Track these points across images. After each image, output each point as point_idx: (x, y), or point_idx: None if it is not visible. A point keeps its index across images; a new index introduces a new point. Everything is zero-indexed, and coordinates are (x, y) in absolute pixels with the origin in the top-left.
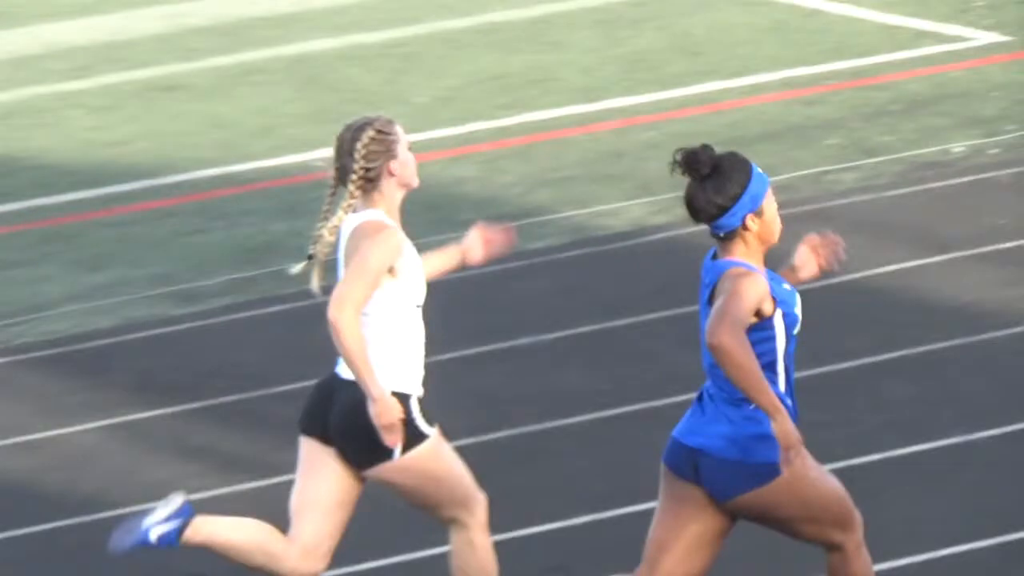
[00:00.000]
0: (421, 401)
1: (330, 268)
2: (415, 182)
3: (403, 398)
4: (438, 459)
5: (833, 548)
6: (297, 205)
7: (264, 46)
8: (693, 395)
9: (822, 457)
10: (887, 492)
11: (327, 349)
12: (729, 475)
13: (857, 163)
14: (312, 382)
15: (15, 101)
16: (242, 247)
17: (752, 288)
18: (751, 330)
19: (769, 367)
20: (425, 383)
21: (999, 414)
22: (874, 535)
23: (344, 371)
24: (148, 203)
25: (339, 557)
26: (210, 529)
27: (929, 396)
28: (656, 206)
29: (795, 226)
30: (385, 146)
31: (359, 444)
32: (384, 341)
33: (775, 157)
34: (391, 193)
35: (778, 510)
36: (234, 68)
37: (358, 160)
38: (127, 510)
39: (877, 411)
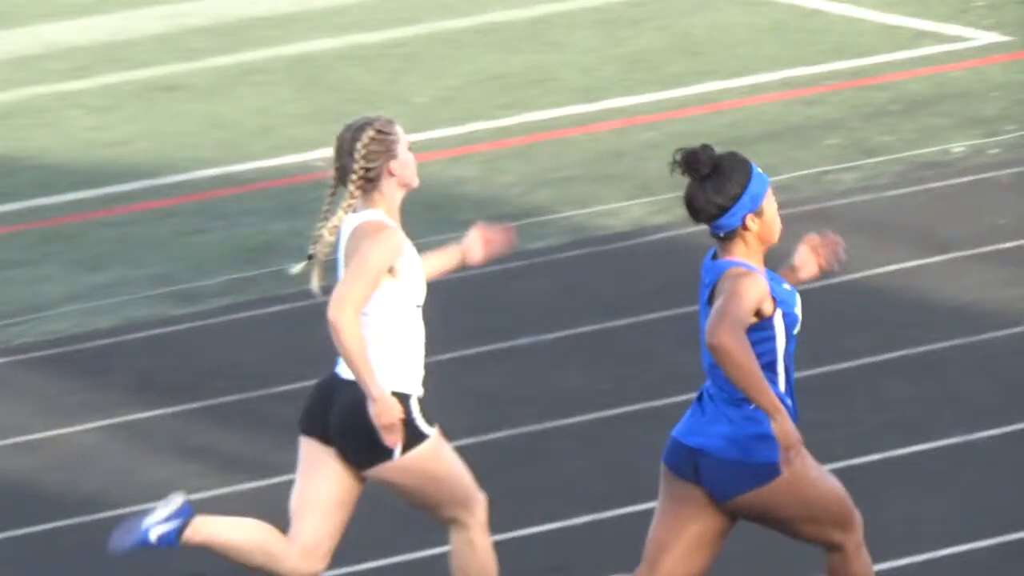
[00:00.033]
0: (421, 401)
1: (330, 268)
2: (415, 182)
3: (403, 398)
4: (438, 459)
5: (833, 548)
6: (297, 205)
7: (264, 46)
8: (693, 395)
9: (822, 457)
10: (887, 492)
11: (327, 349)
12: (729, 475)
13: (857, 163)
14: (312, 382)
15: (15, 101)
16: (242, 247)
17: (752, 288)
18: (751, 330)
19: (769, 367)
20: (425, 383)
21: (999, 414)
22: (874, 535)
23: (344, 371)
24: (148, 203)
25: (339, 557)
26: (210, 529)
27: (929, 396)
28: (656, 206)
29: (795, 226)
30: (385, 146)
31: (359, 444)
32: (384, 341)
33: (775, 157)
34: (391, 193)
35: (778, 510)
36: (234, 68)
37: (358, 160)
38: (127, 510)
39: (877, 411)
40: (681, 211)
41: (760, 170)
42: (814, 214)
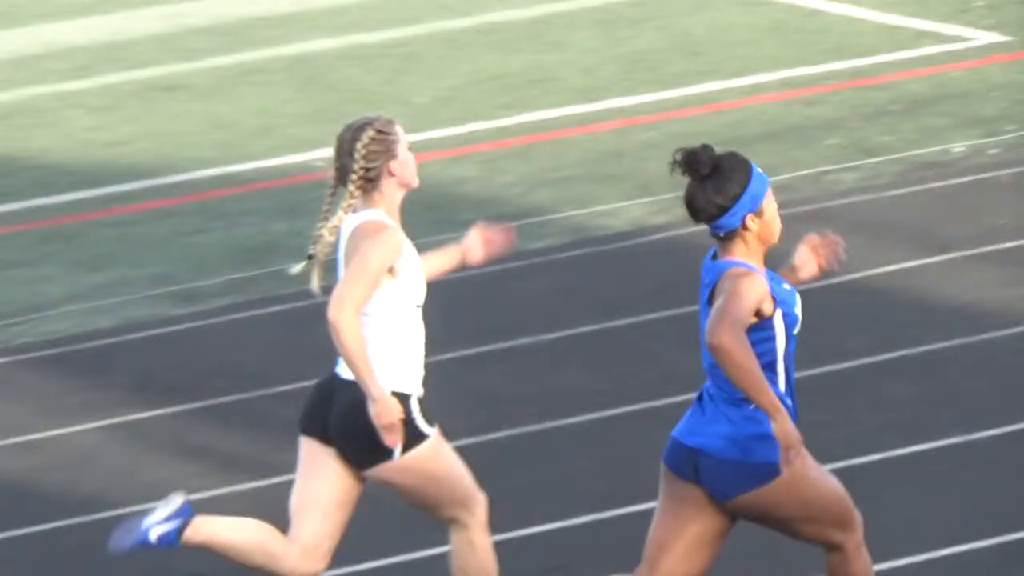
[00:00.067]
0: (421, 401)
1: (330, 268)
2: (415, 182)
3: (403, 398)
4: (438, 459)
5: (833, 548)
6: (297, 205)
7: (264, 46)
8: (693, 395)
9: (822, 457)
10: (887, 492)
11: (327, 349)
12: (729, 475)
13: (857, 163)
14: (312, 382)
15: (15, 101)
16: (242, 247)
17: (752, 288)
18: (751, 330)
19: (769, 367)
20: (425, 383)
21: (999, 414)
22: (874, 535)
23: (344, 371)
24: (148, 203)
25: (339, 557)
26: (210, 529)
27: (929, 396)
28: (656, 206)
29: (795, 226)
30: (385, 146)
31: (359, 444)
32: (384, 341)
33: (775, 157)
34: (391, 193)
35: (778, 510)
36: (234, 68)
37: (358, 160)
38: (127, 510)
39: (877, 411)
40: (681, 211)
41: (760, 170)
42: (814, 214)
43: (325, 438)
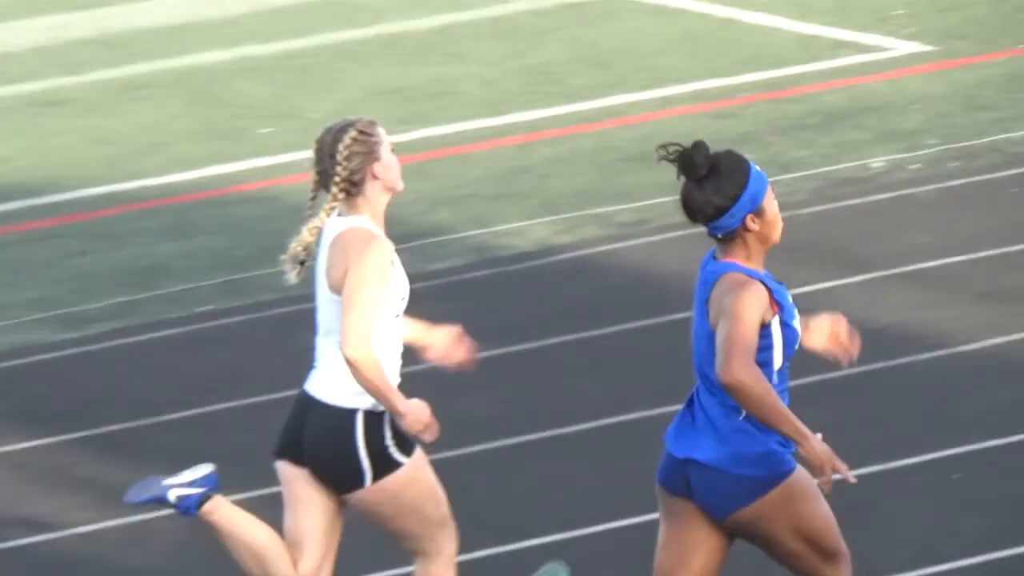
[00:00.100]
0: (396, 427)
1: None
2: (400, 186)
3: (378, 420)
4: (411, 487)
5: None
6: (186, 225)
7: (151, 59)
8: (601, 422)
9: None
10: None
11: (216, 377)
12: (721, 489)
13: (772, 179)
14: (200, 410)
15: None
16: (127, 269)
17: (752, 305)
18: None
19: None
20: None
21: (920, 441)
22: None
23: (313, 388)
24: (29, 223)
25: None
26: (229, 514)
27: (847, 423)
28: (561, 225)
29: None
30: (367, 148)
31: (331, 472)
32: None
33: None
34: (376, 197)
35: (770, 524)
36: (120, 82)
37: (340, 163)
38: (7, 545)
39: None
40: (586, 229)
41: (758, 168)
42: None
43: (298, 459)
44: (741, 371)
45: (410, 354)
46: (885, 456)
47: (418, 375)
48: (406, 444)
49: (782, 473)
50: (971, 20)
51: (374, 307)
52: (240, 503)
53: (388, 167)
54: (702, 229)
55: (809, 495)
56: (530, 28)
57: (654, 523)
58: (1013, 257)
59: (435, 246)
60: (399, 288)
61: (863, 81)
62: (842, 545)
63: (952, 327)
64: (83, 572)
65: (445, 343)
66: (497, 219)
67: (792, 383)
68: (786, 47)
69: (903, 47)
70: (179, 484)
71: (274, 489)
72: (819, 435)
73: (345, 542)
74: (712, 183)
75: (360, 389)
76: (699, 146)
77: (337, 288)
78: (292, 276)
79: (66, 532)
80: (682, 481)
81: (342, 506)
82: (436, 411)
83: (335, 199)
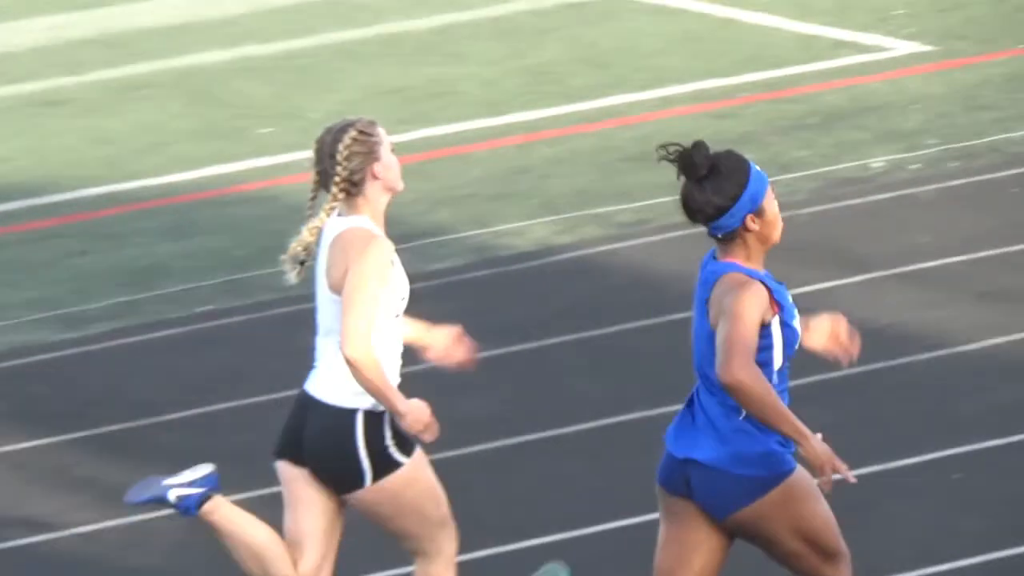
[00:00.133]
0: (396, 427)
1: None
2: (400, 186)
3: (378, 420)
4: (411, 487)
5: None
6: (186, 225)
7: (152, 59)
8: (599, 422)
9: None
10: None
11: (216, 377)
12: (721, 489)
13: (772, 179)
14: (200, 410)
15: None
16: (128, 269)
17: (752, 304)
18: None
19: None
20: None
21: (920, 441)
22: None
23: (313, 388)
24: (29, 223)
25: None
26: (229, 514)
27: (847, 423)
28: (561, 225)
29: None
30: (367, 148)
31: (331, 472)
32: None
33: None
34: (376, 198)
35: (770, 524)
36: (120, 82)
37: (340, 163)
38: (7, 545)
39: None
40: (587, 229)
41: (758, 168)
42: None
43: (298, 459)
44: (741, 371)
45: (410, 354)
46: (885, 456)
47: (418, 375)
48: (406, 444)
49: (782, 473)
50: (971, 20)
51: (374, 307)
52: (240, 503)
53: (388, 167)
54: (702, 229)
55: (809, 495)
56: (530, 28)
57: (654, 523)
58: (1013, 257)
59: (435, 246)
60: (399, 288)
61: (863, 81)
62: (842, 545)
63: (952, 327)
64: (83, 572)
65: (445, 343)
66: (497, 219)
67: (792, 383)
68: (786, 47)
69: (903, 47)
70: (179, 484)
71: (274, 489)
72: (819, 435)
73: (345, 542)
74: (712, 183)
75: (360, 389)
76: (699, 146)
77: (337, 288)
78: (292, 276)
79: (66, 532)
80: (682, 481)
81: (342, 506)
82: (436, 411)
83: (335, 199)
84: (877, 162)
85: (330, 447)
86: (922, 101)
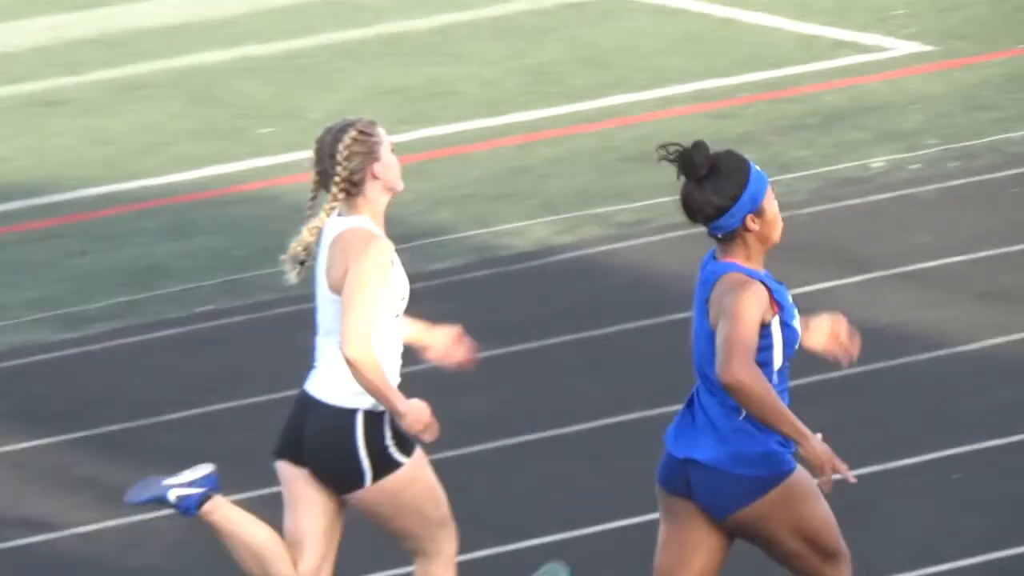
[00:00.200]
0: (396, 427)
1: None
2: (400, 186)
3: (378, 420)
4: (411, 487)
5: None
6: (186, 225)
7: (152, 59)
8: (599, 422)
9: None
10: None
11: (216, 377)
12: (721, 489)
13: (772, 179)
14: (200, 410)
15: None
16: (128, 269)
17: (752, 304)
18: None
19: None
20: None
21: (920, 441)
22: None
23: (313, 388)
24: (29, 223)
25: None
26: (229, 514)
27: (847, 423)
28: (561, 225)
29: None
30: (368, 148)
31: (331, 472)
32: None
33: None
34: (376, 198)
35: (770, 524)
36: (120, 82)
37: (340, 163)
38: (6, 545)
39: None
40: (587, 229)
41: (758, 168)
42: None
43: (298, 459)
44: (741, 371)
45: (410, 354)
46: (885, 456)
47: (418, 375)
48: (406, 444)
49: (782, 473)
50: (971, 20)
51: (374, 307)
52: (240, 503)
53: (388, 167)
54: (702, 229)
55: (809, 495)
56: (530, 28)
57: (654, 523)
58: (1013, 257)
59: (435, 246)
60: (399, 288)
61: (863, 81)
62: (842, 545)
63: (952, 327)
64: (83, 572)
65: (445, 343)
66: (497, 219)
67: (792, 383)
68: (786, 47)
69: (903, 47)
70: (179, 484)
71: (274, 489)
72: (819, 435)
73: (345, 542)
74: (712, 183)
75: (360, 389)
76: (699, 146)
77: (337, 288)
78: (292, 276)
79: (66, 532)
80: (682, 481)
81: (342, 506)
82: (436, 411)
83: (335, 199)
84: (877, 162)
85: (330, 447)
86: (922, 101)
